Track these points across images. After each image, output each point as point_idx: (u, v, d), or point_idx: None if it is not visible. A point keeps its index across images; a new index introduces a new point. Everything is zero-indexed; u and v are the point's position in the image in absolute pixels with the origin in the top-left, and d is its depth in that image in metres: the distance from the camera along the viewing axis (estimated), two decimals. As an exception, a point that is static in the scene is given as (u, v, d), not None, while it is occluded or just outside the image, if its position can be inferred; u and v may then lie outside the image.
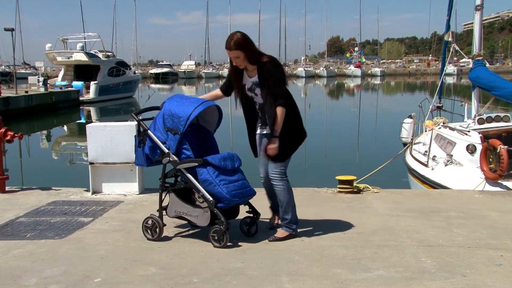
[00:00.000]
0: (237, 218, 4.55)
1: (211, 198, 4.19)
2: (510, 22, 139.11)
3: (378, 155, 13.29)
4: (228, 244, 4.25)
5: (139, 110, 4.73)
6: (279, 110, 4.22)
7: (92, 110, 32.32)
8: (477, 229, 4.73)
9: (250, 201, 4.52)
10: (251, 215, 4.57)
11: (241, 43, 4.23)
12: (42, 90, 29.75)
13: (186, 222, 4.59)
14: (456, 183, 7.68)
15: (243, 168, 4.49)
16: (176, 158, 4.32)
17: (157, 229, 4.47)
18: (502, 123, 9.21)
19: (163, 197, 4.54)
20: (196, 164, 4.24)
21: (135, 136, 4.61)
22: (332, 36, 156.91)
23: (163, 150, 4.36)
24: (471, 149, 8.37)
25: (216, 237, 4.24)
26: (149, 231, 4.52)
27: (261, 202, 4.72)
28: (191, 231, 4.70)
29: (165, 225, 4.52)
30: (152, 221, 4.51)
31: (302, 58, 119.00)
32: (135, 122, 4.68)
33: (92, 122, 22.76)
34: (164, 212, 4.54)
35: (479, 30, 10.42)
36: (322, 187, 6.44)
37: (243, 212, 4.60)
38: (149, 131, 4.44)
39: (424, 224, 4.90)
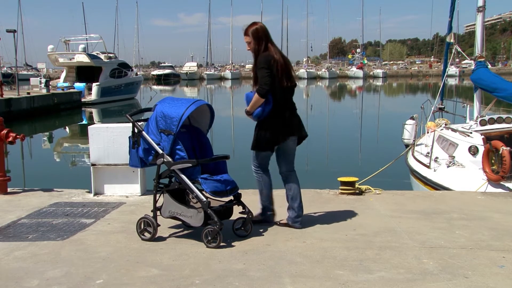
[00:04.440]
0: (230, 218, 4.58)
1: (204, 199, 4.22)
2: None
3: (380, 156, 13.28)
4: (225, 244, 4.26)
5: (133, 111, 4.75)
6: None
7: (94, 111, 32.37)
8: (479, 231, 4.72)
9: (243, 201, 4.58)
10: (244, 215, 4.59)
11: (253, 33, 4.60)
12: (44, 91, 29.80)
13: (181, 222, 4.61)
14: (458, 184, 7.67)
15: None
16: (170, 159, 4.34)
17: (152, 230, 4.48)
18: (504, 124, 9.19)
19: (157, 197, 4.56)
20: (190, 165, 4.26)
21: (129, 137, 4.63)
22: (334, 37, 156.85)
23: (157, 151, 4.38)
24: (473, 150, 8.35)
25: (209, 238, 4.25)
26: (143, 231, 4.53)
27: (254, 203, 4.74)
28: (192, 233, 4.70)
29: (159, 225, 4.53)
30: (146, 221, 4.52)
31: (304, 59, 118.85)
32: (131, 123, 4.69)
33: (94, 123, 22.78)
34: (158, 213, 4.55)
35: (481, 31, 10.41)
36: (324, 188, 6.43)
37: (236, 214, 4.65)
38: (143, 132, 4.47)
39: (426, 225, 4.90)
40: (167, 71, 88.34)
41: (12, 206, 5.78)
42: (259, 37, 4.60)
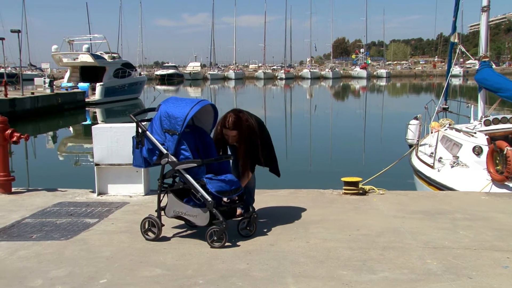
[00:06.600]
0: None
1: (210, 198, 4.22)
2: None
3: (384, 156, 13.25)
4: (228, 244, 4.26)
5: (137, 111, 4.75)
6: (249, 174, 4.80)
7: (98, 111, 32.41)
8: (483, 231, 4.71)
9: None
10: (249, 215, 4.58)
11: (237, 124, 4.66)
12: (48, 91, 29.85)
13: (184, 222, 4.61)
14: (462, 184, 7.65)
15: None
16: (174, 159, 4.34)
17: (156, 230, 4.49)
18: (508, 124, 9.16)
19: (161, 197, 4.56)
20: (195, 165, 4.26)
21: (133, 137, 4.63)
22: (338, 37, 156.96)
23: (162, 151, 4.38)
24: (477, 150, 8.33)
25: (214, 238, 4.25)
26: (148, 231, 4.53)
27: (258, 203, 4.73)
28: (196, 233, 4.70)
29: (163, 225, 4.54)
30: (150, 221, 4.53)
31: (308, 59, 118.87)
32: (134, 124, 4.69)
33: (97, 123, 22.82)
34: (162, 213, 4.55)
35: (485, 31, 10.38)
36: (327, 188, 6.43)
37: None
38: (147, 132, 4.47)
39: (430, 225, 4.88)
40: (170, 71, 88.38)
41: (16, 206, 5.80)
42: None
